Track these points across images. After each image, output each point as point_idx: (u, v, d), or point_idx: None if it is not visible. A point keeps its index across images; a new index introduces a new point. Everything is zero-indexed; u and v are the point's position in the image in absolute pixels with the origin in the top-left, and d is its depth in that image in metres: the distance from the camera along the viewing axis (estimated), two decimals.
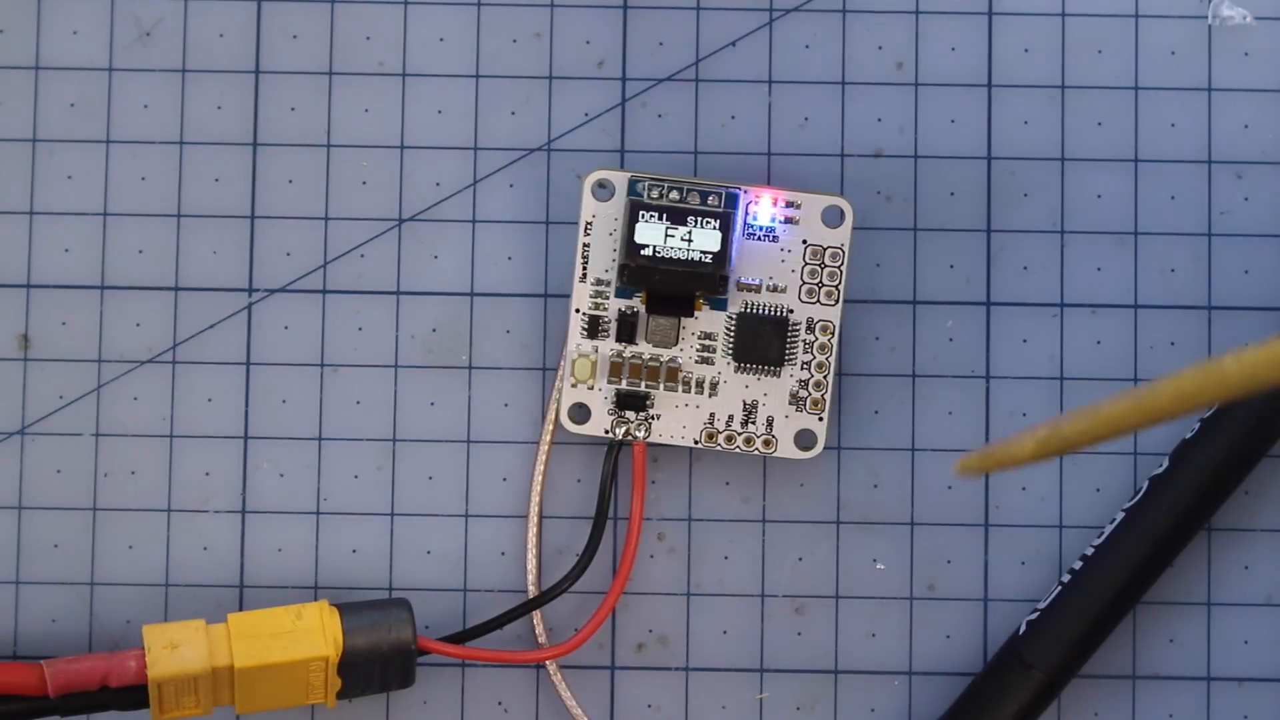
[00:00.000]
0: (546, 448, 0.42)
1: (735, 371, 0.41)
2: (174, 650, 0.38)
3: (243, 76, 0.43)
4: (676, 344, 0.41)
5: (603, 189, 0.41)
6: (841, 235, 0.41)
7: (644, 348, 0.41)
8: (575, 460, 0.42)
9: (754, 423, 0.41)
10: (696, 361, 0.41)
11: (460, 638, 0.41)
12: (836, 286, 0.41)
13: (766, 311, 0.41)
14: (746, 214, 0.40)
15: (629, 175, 0.40)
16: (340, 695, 0.39)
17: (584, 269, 0.41)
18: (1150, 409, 0.30)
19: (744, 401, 0.41)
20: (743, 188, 0.40)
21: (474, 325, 0.43)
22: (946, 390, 0.42)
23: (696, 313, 0.41)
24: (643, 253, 0.40)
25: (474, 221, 0.43)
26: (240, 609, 0.42)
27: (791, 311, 0.41)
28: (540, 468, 0.42)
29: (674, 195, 0.40)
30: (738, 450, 0.41)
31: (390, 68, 0.43)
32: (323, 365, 0.43)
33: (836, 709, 0.42)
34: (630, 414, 0.41)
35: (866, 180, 0.43)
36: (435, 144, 0.43)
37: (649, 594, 0.42)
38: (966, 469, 0.33)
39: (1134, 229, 0.43)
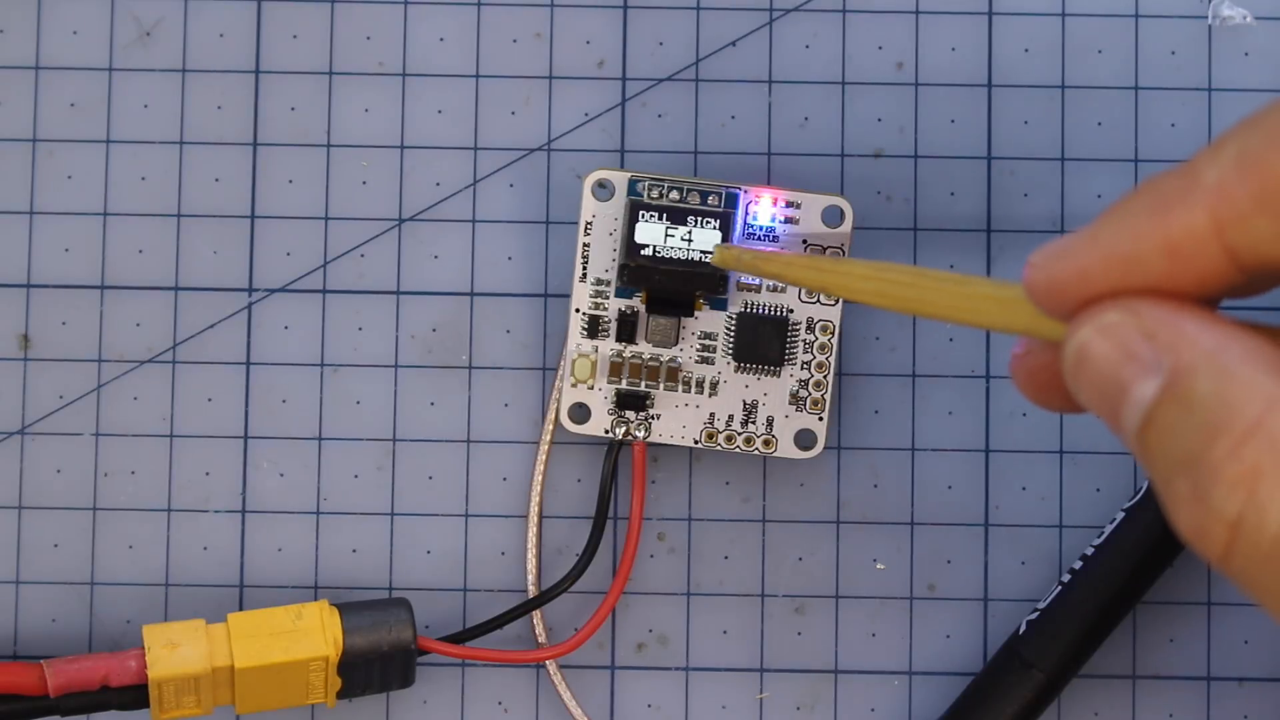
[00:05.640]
0: (546, 448, 0.42)
1: (735, 371, 0.41)
2: (174, 650, 0.38)
3: (243, 76, 0.43)
4: (676, 344, 0.41)
5: (603, 189, 0.41)
6: (841, 235, 0.41)
7: (644, 348, 0.41)
8: (575, 460, 0.42)
9: (754, 422, 0.41)
10: (696, 361, 0.41)
11: (460, 638, 0.41)
12: None
13: (766, 311, 0.41)
14: (746, 214, 0.40)
15: (629, 175, 0.40)
16: (340, 695, 0.39)
17: (584, 269, 0.41)
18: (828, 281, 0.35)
19: (744, 401, 0.41)
20: (743, 188, 0.40)
21: (474, 325, 0.43)
22: (946, 390, 0.42)
23: (696, 312, 0.41)
24: (643, 253, 0.40)
25: (474, 221, 0.43)
26: (240, 609, 0.42)
27: (791, 311, 0.41)
28: (540, 468, 0.42)
29: (674, 195, 0.40)
30: (738, 450, 0.41)
31: (390, 68, 0.43)
32: (323, 365, 0.43)
33: (836, 709, 0.42)
34: (630, 414, 0.41)
35: (866, 180, 0.43)
36: (435, 144, 0.43)
37: (649, 594, 0.42)
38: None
39: None
